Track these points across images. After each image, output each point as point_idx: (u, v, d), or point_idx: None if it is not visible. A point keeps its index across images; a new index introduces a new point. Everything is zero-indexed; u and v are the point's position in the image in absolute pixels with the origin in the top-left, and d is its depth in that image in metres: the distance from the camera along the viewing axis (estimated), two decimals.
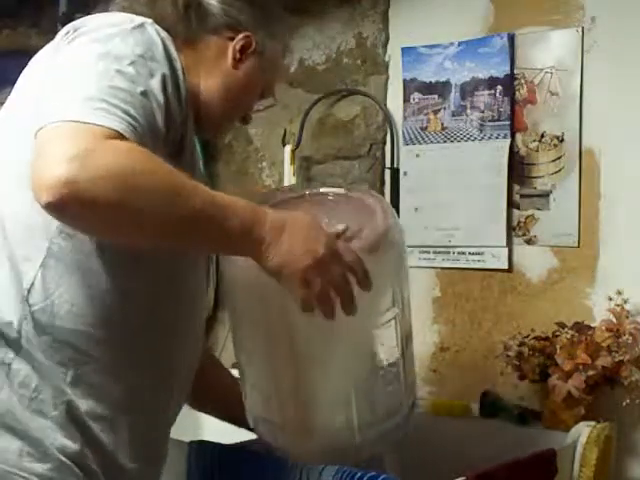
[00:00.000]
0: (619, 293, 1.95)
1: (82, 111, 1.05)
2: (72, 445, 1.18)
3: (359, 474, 1.50)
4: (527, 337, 2.02)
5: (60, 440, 1.17)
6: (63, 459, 1.17)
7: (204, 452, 1.68)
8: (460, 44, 2.25)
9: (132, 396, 1.25)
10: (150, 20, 1.20)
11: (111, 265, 1.19)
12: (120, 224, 1.06)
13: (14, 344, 1.16)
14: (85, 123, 1.04)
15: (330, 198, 1.40)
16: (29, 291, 1.16)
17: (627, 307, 1.94)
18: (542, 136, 2.14)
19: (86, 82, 1.09)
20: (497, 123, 2.19)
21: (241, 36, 1.37)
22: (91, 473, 1.20)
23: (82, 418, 1.19)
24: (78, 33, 1.17)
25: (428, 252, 2.31)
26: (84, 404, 1.19)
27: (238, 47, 1.37)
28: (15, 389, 1.15)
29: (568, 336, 1.92)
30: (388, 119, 2.40)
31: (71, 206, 1.02)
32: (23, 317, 1.16)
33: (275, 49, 1.44)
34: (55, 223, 1.14)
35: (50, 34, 1.40)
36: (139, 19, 1.19)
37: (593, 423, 1.83)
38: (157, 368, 1.28)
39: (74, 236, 1.16)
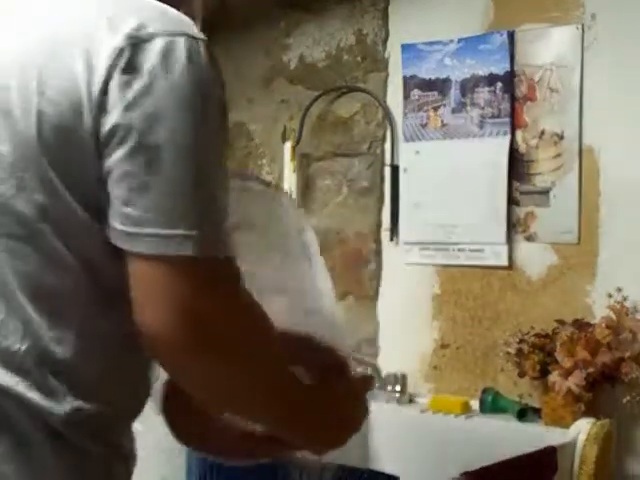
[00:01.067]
0: (619, 290, 1.95)
1: (210, 236, 0.89)
2: None
3: (359, 472, 1.51)
4: (527, 334, 2.03)
5: None
6: None
7: None
8: (460, 41, 2.25)
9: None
10: (191, 27, 0.94)
11: (134, 338, 0.95)
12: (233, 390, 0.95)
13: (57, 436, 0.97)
14: (215, 259, 0.89)
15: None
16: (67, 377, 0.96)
17: (627, 304, 1.94)
18: (542, 133, 2.14)
19: (199, 177, 0.89)
20: (497, 120, 2.19)
21: None
22: None
23: None
24: (141, 74, 0.89)
25: (428, 249, 2.31)
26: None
27: None
28: None
29: (568, 333, 1.92)
30: (388, 116, 2.39)
31: (206, 364, 0.90)
32: (65, 404, 0.96)
33: None
34: (91, 296, 0.94)
35: None
36: (191, 31, 0.93)
37: (593, 420, 1.84)
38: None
39: (111, 313, 0.96)
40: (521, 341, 2.02)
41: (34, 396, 0.94)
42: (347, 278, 2.48)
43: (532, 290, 2.15)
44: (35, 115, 0.89)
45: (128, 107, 0.88)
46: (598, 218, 2.05)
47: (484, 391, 2.10)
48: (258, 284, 1.04)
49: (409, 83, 2.35)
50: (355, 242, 2.47)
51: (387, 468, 1.84)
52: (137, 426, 1.20)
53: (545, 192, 2.13)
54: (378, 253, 2.42)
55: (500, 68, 2.19)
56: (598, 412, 1.89)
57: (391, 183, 2.38)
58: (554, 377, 1.92)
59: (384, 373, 2.28)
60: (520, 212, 2.17)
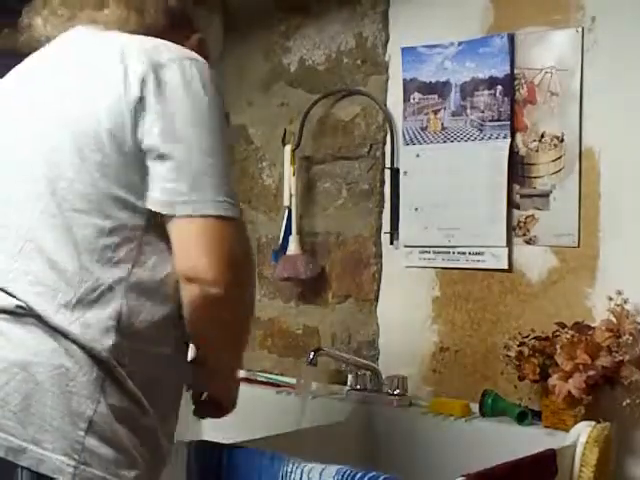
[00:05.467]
0: (619, 293, 1.94)
1: (228, 204, 1.29)
2: (146, 453, 1.32)
3: (360, 474, 1.50)
4: (527, 337, 2.02)
5: (139, 449, 1.30)
6: (144, 465, 1.31)
7: (204, 452, 1.68)
8: (460, 44, 2.25)
9: (177, 394, 1.44)
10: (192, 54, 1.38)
11: (175, 289, 1.33)
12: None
13: (106, 365, 1.27)
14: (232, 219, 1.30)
15: None
16: (119, 320, 1.28)
17: (627, 307, 1.94)
18: (542, 136, 2.14)
19: (218, 158, 1.30)
20: (497, 123, 2.19)
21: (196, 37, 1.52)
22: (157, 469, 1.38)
23: (153, 427, 1.34)
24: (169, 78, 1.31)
25: (428, 252, 2.31)
26: (154, 416, 1.34)
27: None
28: (109, 404, 1.26)
29: (568, 336, 1.91)
30: (388, 119, 2.40)
31: (228, 306, 1.31)
32: (116, 343, 1.28)
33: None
34: (134, 255, 1.30)
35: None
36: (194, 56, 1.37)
37: (593, 423, 1.83)
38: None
39: (154, 267, 1.31)
40: (521, 344, 2.01)
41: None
42: (347, 281, 2.48)
43: (532, 293, 2.15)
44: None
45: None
46: (598, 221, 2.05)
47: (484, 394, 2.09)
48: None
49: (409, 86, 2.35)
50: (355, 245, 2.47)
51: (387, 470, 1.84)
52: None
53: (545, 195, 2.13)
54: (378, 256, 2.42)
55: (500, 71, 2.19)
56: (598, 415, 1.89)
57: (391, 186, 2.38)
58: (554, 380, 1.92)
59: (384, 376, 2.28)
60: (520, 215, 2.17)
